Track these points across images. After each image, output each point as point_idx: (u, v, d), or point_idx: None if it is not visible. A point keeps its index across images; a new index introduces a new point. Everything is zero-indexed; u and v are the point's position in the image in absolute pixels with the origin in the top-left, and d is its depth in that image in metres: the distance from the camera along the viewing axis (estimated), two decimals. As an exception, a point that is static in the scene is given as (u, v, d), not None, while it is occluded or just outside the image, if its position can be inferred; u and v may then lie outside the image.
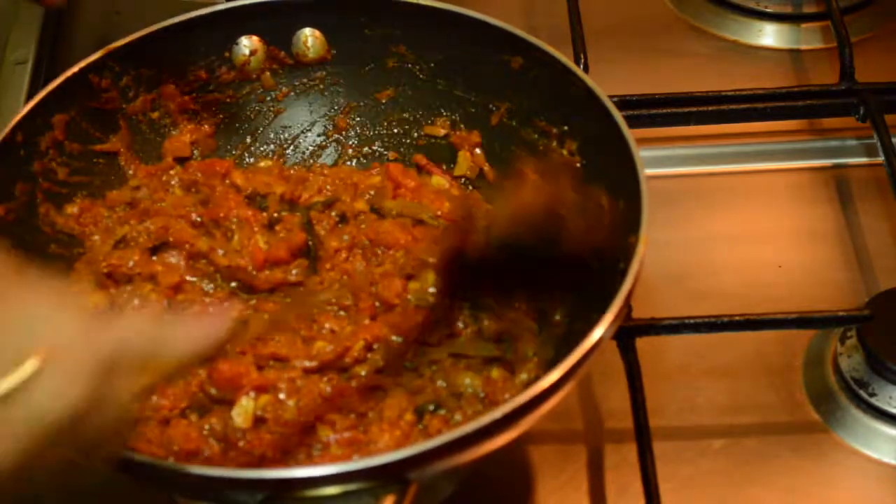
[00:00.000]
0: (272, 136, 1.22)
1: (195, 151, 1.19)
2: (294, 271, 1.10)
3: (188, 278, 1.09)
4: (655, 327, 1.13)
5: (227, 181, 1.15)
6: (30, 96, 1.34)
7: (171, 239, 1.10)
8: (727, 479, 1.10)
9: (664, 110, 1.33)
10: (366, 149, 1.22)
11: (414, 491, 0.88)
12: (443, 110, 1.20)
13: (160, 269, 1.09)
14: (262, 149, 1.22)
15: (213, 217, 1.12)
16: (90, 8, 1.54)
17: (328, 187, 1.16)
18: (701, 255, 1.27)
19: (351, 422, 0.99)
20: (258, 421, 0.99)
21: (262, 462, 0.97)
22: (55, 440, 0.72)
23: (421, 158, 1.19)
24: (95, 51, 1.13)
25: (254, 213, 1.12)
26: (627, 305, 0.96)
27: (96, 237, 1.11)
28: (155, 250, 1.10)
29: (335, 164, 1.21)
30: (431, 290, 1.07)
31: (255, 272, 1.09)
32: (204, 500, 0.97)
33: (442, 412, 1.00)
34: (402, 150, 1.21)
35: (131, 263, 1.08)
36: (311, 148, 1.22)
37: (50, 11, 1.47)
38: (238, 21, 1.19)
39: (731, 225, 1.30)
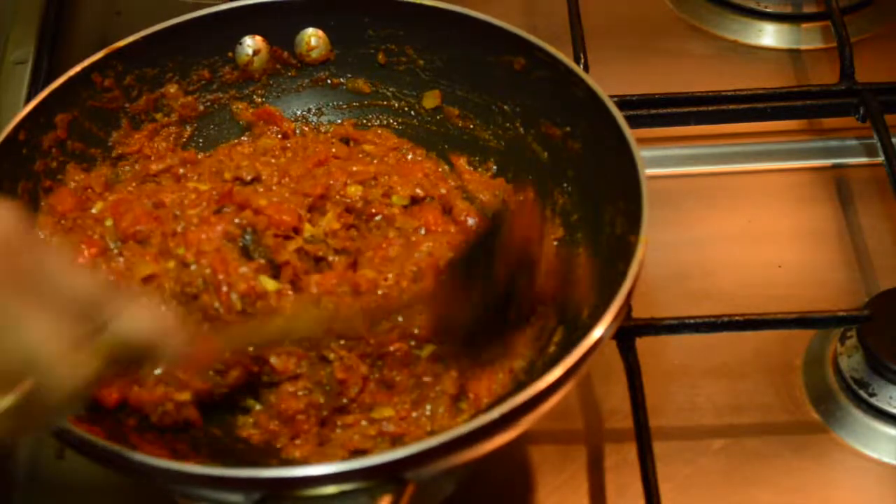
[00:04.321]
0: (273, 136, 1.23)
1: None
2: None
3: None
4: (655, 327, 1.13)
5: None
6: (30, 96, 1.35)
7: None
8: (727, 479, 1.10)
9: (664, 110, 1.33)
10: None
11: (411, 491, 0.88)
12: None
13: None
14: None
15: None
16: (90, 8, 1.54)
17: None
18: (701, 255, 1.27)
19: None
20: None
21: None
22: None
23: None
24: (95, 51, 1.14)
25: None
26: (627, 305, 0.96)
27: None
28: None
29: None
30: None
31: None
32: (201, 498, 0.97)
33: None
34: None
35: None
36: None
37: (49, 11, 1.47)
38: (241, 21, 1.19)
39: (731, 225, 1.30)
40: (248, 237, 1.06)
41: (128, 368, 0.87)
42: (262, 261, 1.05)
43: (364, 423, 1.02)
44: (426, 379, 1.03)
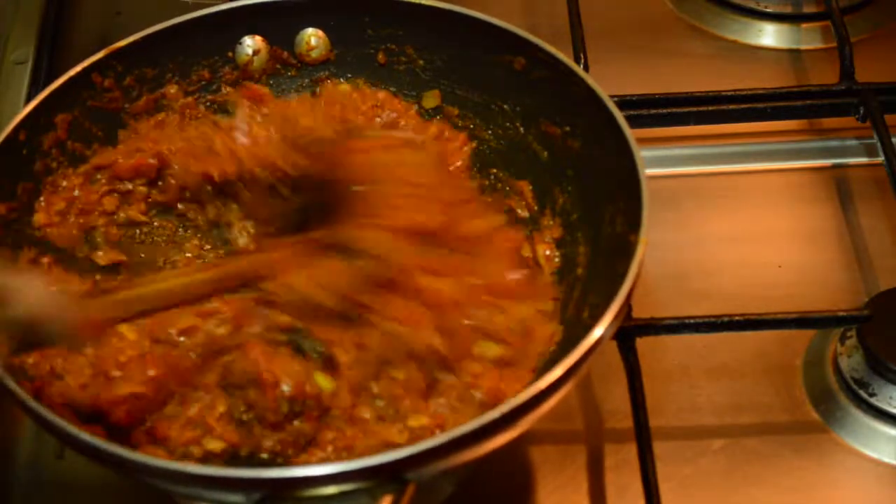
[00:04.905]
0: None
1: None
2: None
3: None
4: (655, 327, 1.13)
5: None
6: (30, 96, 1.35)
7: None
8: (727, 479, 1.10)
9: (664, 110, 1.33)
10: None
11: (412, 491, 0.88)
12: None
13: None
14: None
15: None
16: (90, 8, 1.54)
17: None
18: (701, 255, 1.27)
19: None
20: None
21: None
22: None
23: None
24: (95, 51, 1.13)
25: None
26: (627, 305, 0.96)
27: None
28: None
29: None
30: None
31: None
32: (201, 499, 0.97)
33: None
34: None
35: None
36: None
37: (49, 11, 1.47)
38: (241, 21, 1.19)
39: (731, 225, 1.30)
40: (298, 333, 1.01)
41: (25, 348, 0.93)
42: (316, 356, 1.00)
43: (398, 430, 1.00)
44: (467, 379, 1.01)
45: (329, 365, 1.00)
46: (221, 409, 1.00)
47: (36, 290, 0.93)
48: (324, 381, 0.99)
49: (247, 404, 0.99)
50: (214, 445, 0.98)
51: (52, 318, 0.93)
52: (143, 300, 1.00)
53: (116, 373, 1.00)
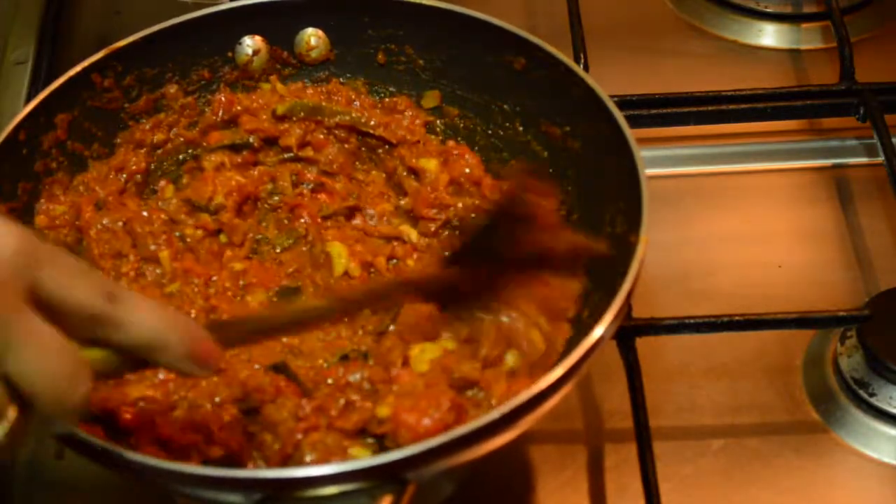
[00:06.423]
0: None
1: None
2: None
3: None
4: (655, 327, 1.13)
5: None
6: (30, 96, 1.35)
7: None
8: (727, 479, 1.10)
9: (664, 110, 1.33)
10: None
11: (412, 491, 0.88)
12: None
13: None
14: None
15: None
16: (90, 8, 1.54)
17: None
18: (701, 255, 1.27)
19: None
20: None
21: None
22: None
23: None
24: (95, 51, 1.14)
25: None
26: (627, 305, 0.96)
27: None
28: None
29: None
30: None
31: None
32: (201, 499, 0.97)
33: None
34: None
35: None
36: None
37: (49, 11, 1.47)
38: (241, 21, 1.19)
39: (731, 225, 1.30)
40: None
41: (130, 370, 0.86)
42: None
43: None
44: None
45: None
46: (227, 418, 0.98)
47: (156, 312, 0.83)
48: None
49: (259, 423, 0.98)
50: (214, 452, 0.97)
51: (172, 341, 0.84)
52: (260, 329, 0.94)
53: (129, 375, 1.00)
